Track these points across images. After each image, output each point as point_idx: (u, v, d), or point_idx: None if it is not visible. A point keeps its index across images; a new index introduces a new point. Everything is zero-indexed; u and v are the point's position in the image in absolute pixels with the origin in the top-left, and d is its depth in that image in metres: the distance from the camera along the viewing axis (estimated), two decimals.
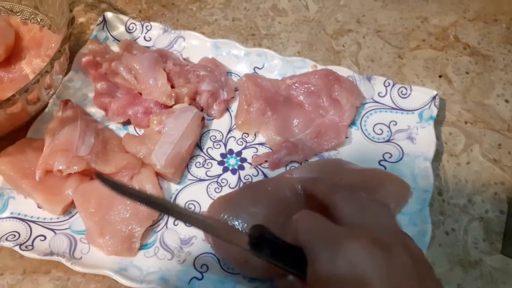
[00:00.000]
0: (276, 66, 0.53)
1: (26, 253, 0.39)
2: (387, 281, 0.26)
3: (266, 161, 0.46)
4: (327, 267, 0.27)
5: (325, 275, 0.27)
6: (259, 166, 0.46)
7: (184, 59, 0.52)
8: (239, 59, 0.53)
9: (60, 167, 0.40)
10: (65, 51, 0.43)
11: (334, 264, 0.27)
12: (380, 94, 0.50)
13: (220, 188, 0.45)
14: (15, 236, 0.40)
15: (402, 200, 0.43)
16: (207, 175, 0.46)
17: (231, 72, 0.53)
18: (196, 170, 0.46)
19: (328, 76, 0.49)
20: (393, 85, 0.50)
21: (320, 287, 0.27)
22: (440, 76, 0.55)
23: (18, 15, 0.53)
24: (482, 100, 0.53)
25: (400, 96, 0.50)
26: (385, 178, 0.44)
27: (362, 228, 0.29)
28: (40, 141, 0.44)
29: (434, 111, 0.48)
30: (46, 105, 0.47)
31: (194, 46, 0.53)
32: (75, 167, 0.40)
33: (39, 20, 0.53)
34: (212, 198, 0.44)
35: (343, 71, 0.51)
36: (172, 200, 0.44)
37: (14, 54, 0.49)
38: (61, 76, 0.47)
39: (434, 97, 0.49)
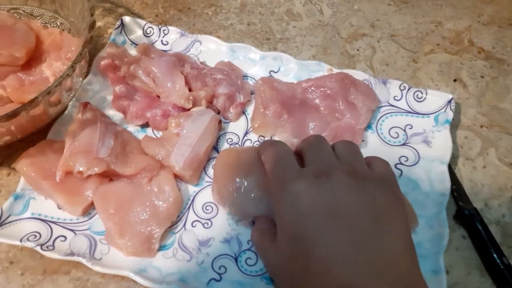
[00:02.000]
0: (291, 70, 0.53)
1: (47, 253, 0.39)
2: (318, 200, 0.32)
3: None
4: (278, 206, 0.35)
5: (278, 212, 0.35)
6: None
7: (201, 62, 0.52)
8: (254, 63, 0.54)
9: (81, 169, 0.41)
10: (85, 55, 0.44)
11: (283, 203, 0.34)
12: (396, 98, 0.51)
13: None
14: (36, 236, 0.41)
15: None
16: None
17: (247, 76, 0.53)
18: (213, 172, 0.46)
19: (344, 80, 0.50)
20: (409, 89, 0.50)
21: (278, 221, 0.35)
22: (455, 80, 0.55)
23: (38, 19, 0.54)
24: (498, 104, 0.53)
25: (415, 100, 0.50)
26: None
27: (313, 165, 0.36)
28: (60, 142, 0.45)
29: (450, 115, 0.48)
30: (65, 108, 0.48)
31: (210, 50, 0.54)
32: (95, 169, 0.41)
33: (58, 24, 0.54)
34: None
35: (358, 74, 0.51)
36: (189, 202, 0.44)
37: (34, 57, 0.49)
38: (81, 79, 0.47)
39: (449, 101, 0.49)
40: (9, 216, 0.41)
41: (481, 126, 0.51)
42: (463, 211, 0.44)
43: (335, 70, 0.52)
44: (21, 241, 0.40)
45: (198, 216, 0.43)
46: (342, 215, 0.31)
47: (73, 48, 0.49)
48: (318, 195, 0.32)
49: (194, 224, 0.43)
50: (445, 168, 0.45)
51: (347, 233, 0.31)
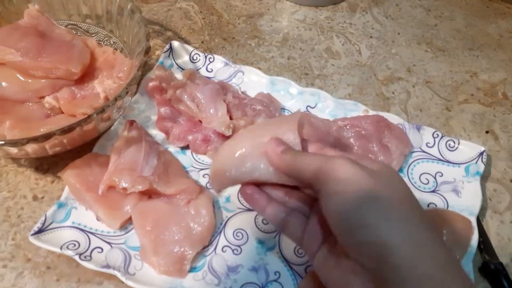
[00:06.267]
0: (328, 107, 0.55)
1: (85, 263, 0.41)
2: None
3: None
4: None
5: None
6: None
7: (242, 92, 0.55)
8: (292, 97, 0.56)
9: (125, 185, 0.43)
10: (139, 77, 0.46)
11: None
12: (428, 145, 0.52)
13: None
14: (75, 245, 0.42)
15: (468, 237, 0.44)
16: None
17: (284, 108, 0.55)
18: None
19: (380, 122, 0.51)
20: (442, 137, 0.52)
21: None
22: (487, 132, 0.56)
23: (93, 37, 0.57)
24: None
25: (447, 149, 0.51)
26: (447, 215, 0.46)
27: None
28: (104, 157, 0.47)
29: (481, 167, 0.49)
30: (112, 124, 0.50)
31: (252, 81, 0.56)
32: (139, 187, 0.43)
33: (112, 42, 0.57)
34: (259, 229, 0.46)
35: (393, 118, 0.53)
36: (221, 227, 0.46)
37: (88, 73, 0.52)
38: (130, 98, 0.50)
39: (481, 153, 0.50)
40: (51, 223, 0.43)
41: (511, 180, 0.52)
42: (488, 265, 0.44)
43: (371, 112, 0.53)
44: (61, 248, 0.42)
45: (228, 242, 0.45)
46: None
47: (125, 68, 0.51)
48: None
49: (224, 249, 0.44)
50: (473, 220, 0.46)
51: None
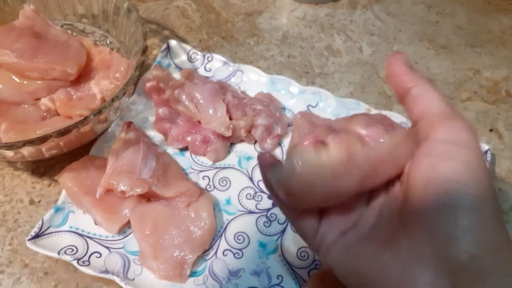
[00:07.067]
0: (329, 106, 0.54)
1: (83, 269, 0.40)
2: None
3: None
4: None
5: None
6: None
7: (242, 92, 0.54)
8: (293, 96, 0.55)
9: (124, 188, 0.42)
10: (136, 78, 0.46)
11: None
12: None
13: (269, 222, 0.46)
14: (73, 250, 0.42)
15: None
16: (257, 208, 0.47)
17: (285, 108, 0.54)
18: (247, 202, 0.47)
19: (382, 121, 0.50)
20: None
21: None
22: (490, 130, 0.55)
23: (89, 36, 0.56)
24: None
25: None
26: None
27: None
28: (102, 159, 0.46)
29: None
30: (110, 125, 0.49)
31: (251, 80, 0.55)
32: (137, 190, 0.42)
33: (108, 42, 0.56)
34: (261, 232, 0.45)
35: (396, 117, 0.52)
36: (222, 230, 0.45)
37: (84, 74, 0.51)
38: (128, 99, 0.49)
39: (485, 152, 0.49)
40: (49, 227, 0.42)
41: None
42: None
43: (373, 111, 0.52)
44: (58, 253, 0.41)
45: (229, 245, 0.44)
46: None
47: (122, 68, 0.50)
48: None
49: (225, 253, 0.43)
50: None
51: None
